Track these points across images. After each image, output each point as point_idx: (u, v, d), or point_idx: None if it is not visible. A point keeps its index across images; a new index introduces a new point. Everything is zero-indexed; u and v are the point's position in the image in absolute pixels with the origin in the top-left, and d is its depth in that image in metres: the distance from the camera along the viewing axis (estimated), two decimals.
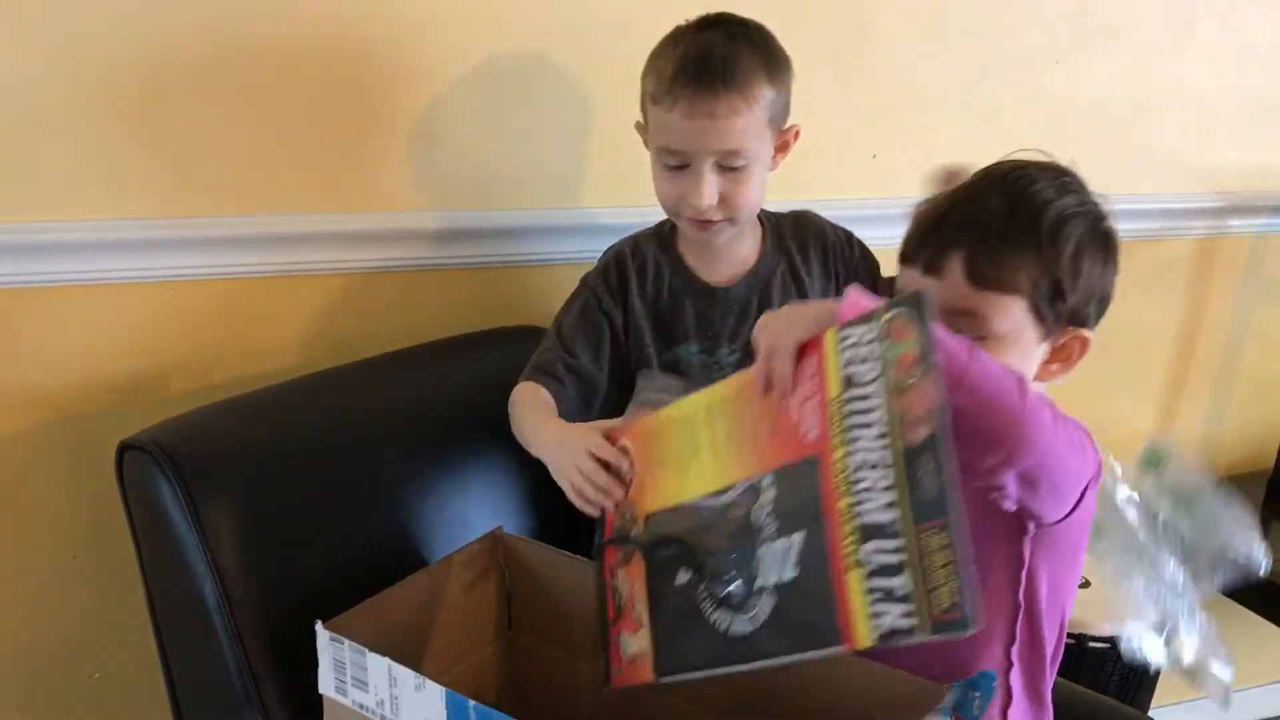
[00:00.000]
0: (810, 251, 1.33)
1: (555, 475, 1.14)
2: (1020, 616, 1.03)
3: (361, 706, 0.98)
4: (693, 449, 1.00)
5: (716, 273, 1.32)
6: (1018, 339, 0.97)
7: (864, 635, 0.77)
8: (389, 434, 1.27)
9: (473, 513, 1.27)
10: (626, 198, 1.44)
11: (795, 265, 1.33)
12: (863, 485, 0.80)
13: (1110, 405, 1.99)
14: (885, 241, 1.52)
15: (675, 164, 1.21)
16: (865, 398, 0.82)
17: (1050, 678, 1.11)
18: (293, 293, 1.40)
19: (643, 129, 1.27)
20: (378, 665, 0.95)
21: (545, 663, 1.23)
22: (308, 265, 1.39)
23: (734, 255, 1.32)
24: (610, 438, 1.09)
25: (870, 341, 0.83)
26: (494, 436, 1.29)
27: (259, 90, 1.31)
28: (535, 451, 1.20)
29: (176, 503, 1.08)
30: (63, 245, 1.26)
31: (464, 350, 1.42)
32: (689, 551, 0.95)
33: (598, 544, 1.07)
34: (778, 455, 0.90)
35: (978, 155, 1.70)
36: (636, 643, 1.00)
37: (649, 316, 1.32)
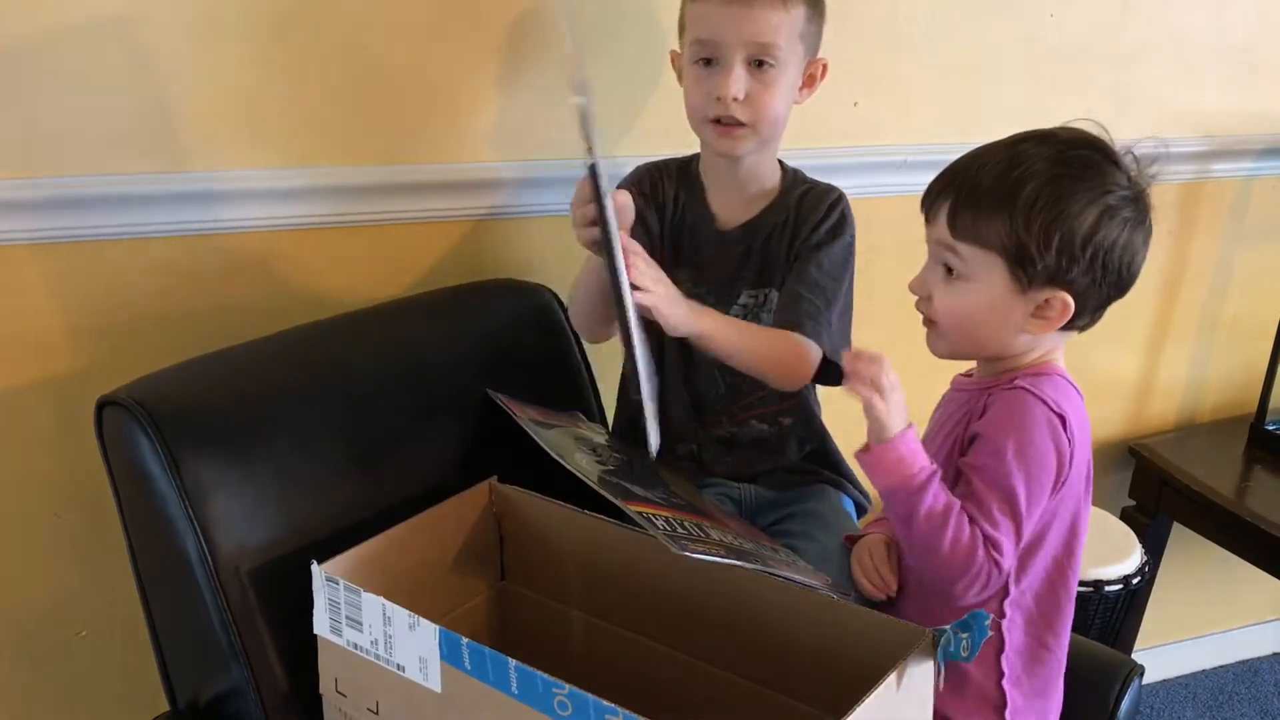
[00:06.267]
0: (798, 213, 1.34)
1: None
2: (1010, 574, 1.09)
3: (355, 646, 0.99)
4: None
5: (727, 209, 1.35)
6: (990, 287, 1.07)
7: None
8: (373, 386, 1.26)
9: (465, 463, 1.27)
10: (672, 145, 1.44)
11: (783, 224, 1.33)
12: None
13: (1095, 350, 1.99)
14: (867, 190, 1.53)
15: (707, 56, 1.24)
16: None
17: (1059, 633, 1.15)
18: (273, 249, 1.38)
19: (677, 57, 1.31)
20: (372, 604, 0.95)
21: (537, 611, 1.24)
22: (287, 220, 1.38)
23: (746, 191, 1.34)
24: None
25: None
26: (485, 386, 1.29)
27: (282, 40, 1.31)
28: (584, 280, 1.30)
29: (156, 458, 1.08)
30: (39, 202, 1.25)
31: (445, 304, 1.41)
32: None
33: None
34: None
35: (960, 103, 1.71)
36: None
37: (669, 236, 1.37)
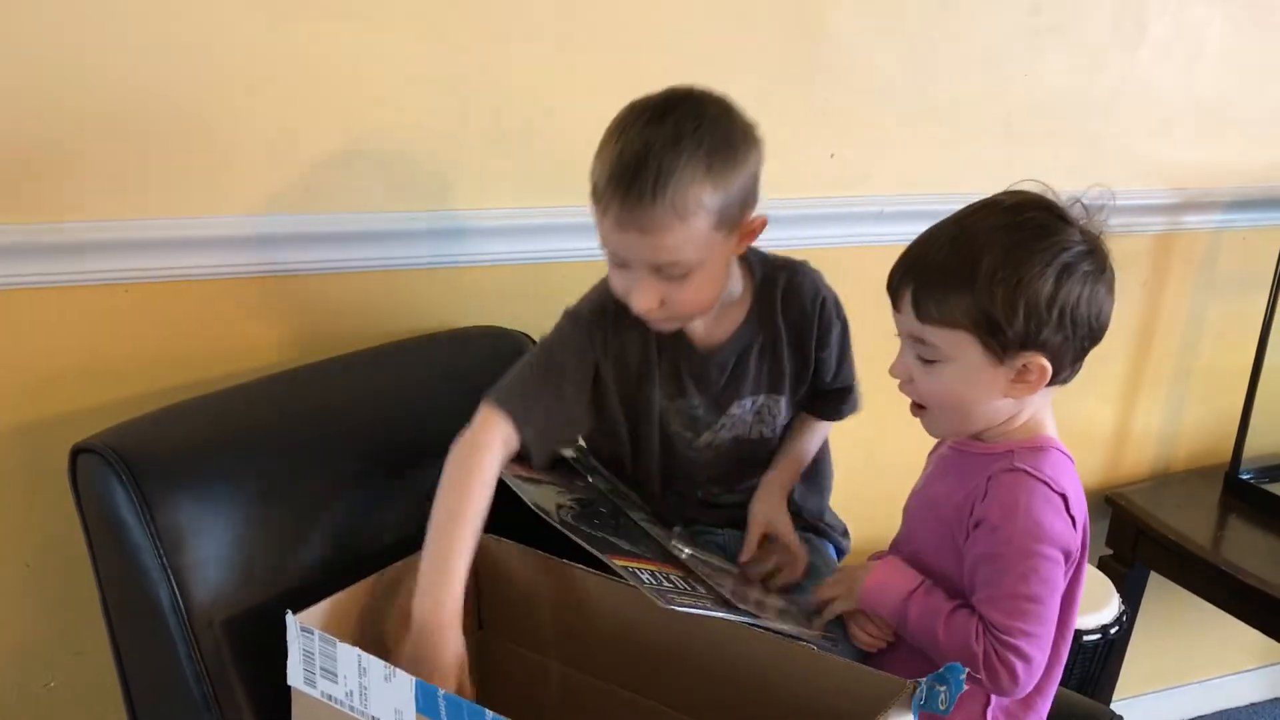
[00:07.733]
0: (791, 324, 1.29)
1: (404, 646, 1.05)
2: None
3: (330, 697, 0.97)
4: None
5: (700, 331, 1.26)
6: (966, 364, 1.06)
7: None
8: (349, 434, 1.26)
9: None
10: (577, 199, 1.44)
11: (775, 337, 1.28)
12: None
13: (1071, 401, 1.99)
14: (843, 240, 1.54)
15: (616, 262, 1.16)
16: None
17: (1047, 694, 1.16)
18: (249, 295, 1.38)
19: None
20: (347, 655, 0.94)
21: (515, 662, 1.23)
22: (263, 267, 1.37)
23: (715, 313, 1.26)
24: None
25: None
26: (456, 434, 1.28)
27: (219, 89, 1.30)
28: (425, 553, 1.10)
29: (131, 506, 1.07)
30: (14, 248, 1.24)
31: (423, 351, 1.41)
32: None
33: None
34: None
35: (936, 155, 1.73)
36: None
37: (641, 368, 1.27)
